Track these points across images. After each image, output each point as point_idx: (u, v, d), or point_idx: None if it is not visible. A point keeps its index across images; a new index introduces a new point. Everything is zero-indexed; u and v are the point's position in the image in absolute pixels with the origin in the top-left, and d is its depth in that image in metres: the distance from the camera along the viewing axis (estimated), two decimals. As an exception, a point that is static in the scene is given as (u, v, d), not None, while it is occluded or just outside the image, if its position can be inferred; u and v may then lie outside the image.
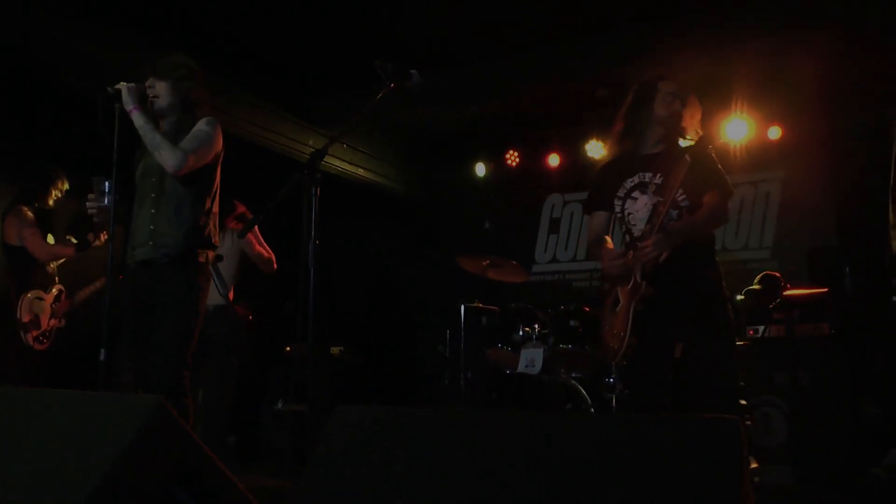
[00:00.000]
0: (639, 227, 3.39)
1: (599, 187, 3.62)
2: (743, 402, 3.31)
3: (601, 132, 7.20)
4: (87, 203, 3.53)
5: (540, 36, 6.03)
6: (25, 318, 5.13)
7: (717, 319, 3.29)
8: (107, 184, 3.46)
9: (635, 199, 3.44)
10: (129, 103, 3.43)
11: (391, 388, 7.51)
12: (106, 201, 3.47)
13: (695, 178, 3.28)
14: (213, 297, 5.49)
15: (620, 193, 3.48)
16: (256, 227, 5.43)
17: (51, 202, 5.39)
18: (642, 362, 3.38)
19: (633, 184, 3.45)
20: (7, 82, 5.53)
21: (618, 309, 3.37)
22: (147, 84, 3.54)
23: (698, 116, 3.49)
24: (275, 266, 5.61)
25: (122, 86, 3.44)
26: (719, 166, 3.43)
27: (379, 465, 1.98)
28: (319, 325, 3.01)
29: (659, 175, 3.38)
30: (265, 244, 5.61)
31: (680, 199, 3.33)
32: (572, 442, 1.82)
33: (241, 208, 5.54)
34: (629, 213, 3.46)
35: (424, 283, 7.92)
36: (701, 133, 3.48)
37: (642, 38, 5.84)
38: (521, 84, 6.58)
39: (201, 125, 3.57)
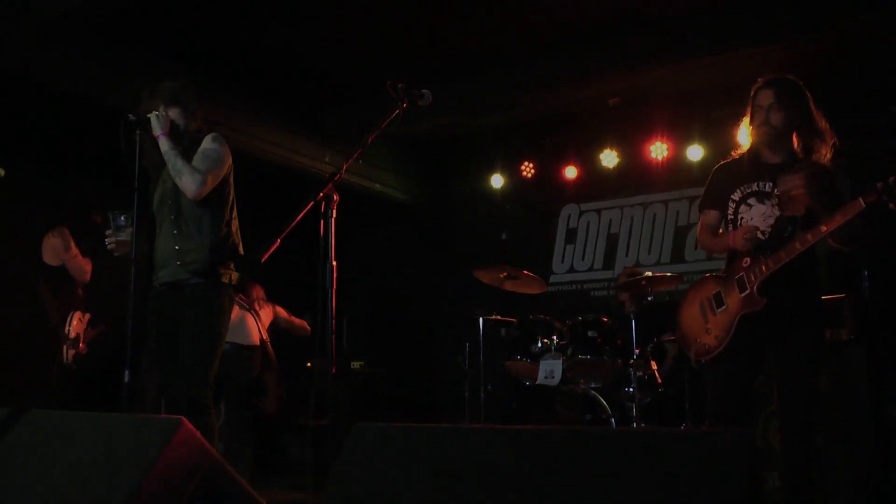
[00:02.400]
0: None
1: (714, 188, 3.60)
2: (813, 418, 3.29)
3: (615, 141, 7.23)
4: (105, 239, 3.63)
5: (550, 45, 6.07)
6: (73, 335, 5.24)
7: (815, 344, 3.31)
8: (122, 218, 3.56)
9: (751, 205, 3.43)
10: (157, 129, 3.55)
11: (412, 402, 7.53)
12: (123, 235, 3.55)
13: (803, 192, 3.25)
14: (244, 335, 5.68)
15: (735, 197, 3.46)
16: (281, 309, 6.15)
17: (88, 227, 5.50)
18: (731, 369, 3.35)
19: (749, 190, 3.42)
20: (30, 109, 5.66)
21: (720, 311, 3.37)
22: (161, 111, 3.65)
23: (812, 122, 3.40)
24: (308, 329, 6.08)
25: (152, 114, 3.54)
26: (836, 184, 3.34)
27: (397, 482, 2.01)
28: (339, 341, 3.06)
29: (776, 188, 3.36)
30: (294, 317, 6.28)
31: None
32: (586, 456, 1.84)
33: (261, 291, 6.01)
34: (742, 219, 3.44)
35: (442, 296, 7.94)
36: (824, 141, 3.40)
37: (654, 44, 5.86)
38: (534, 95, 6.61)
39: (208, 143, 3.67)
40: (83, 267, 5.37)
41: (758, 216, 3.39)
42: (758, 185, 3.40)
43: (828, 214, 3.15)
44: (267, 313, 6.07)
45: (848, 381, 4.47)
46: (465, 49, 6.10)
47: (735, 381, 3.33)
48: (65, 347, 5.23)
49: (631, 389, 4.92)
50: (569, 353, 5.14)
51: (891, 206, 3.00)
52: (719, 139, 5.49)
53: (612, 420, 4.88)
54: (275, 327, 6.17)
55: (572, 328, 5.22)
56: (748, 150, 3.48)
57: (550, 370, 5.05)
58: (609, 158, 7.24)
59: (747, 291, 3.28)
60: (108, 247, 3.63)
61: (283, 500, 5.06)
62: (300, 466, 6.15)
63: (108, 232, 3.62)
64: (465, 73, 6.41)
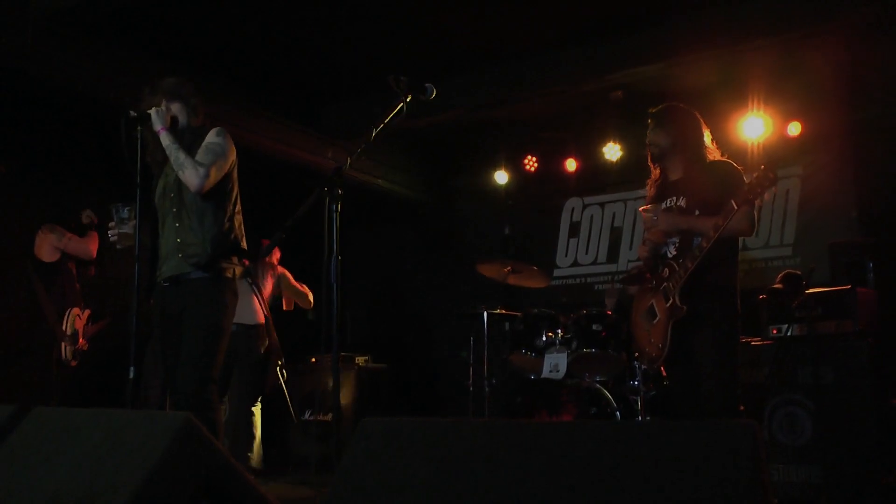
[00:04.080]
0: (670, 248, 3.67)
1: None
2: (741, 407, 3.55)
3: (617, 135, 7.21)
4: (108, 231, 3.63)
5: (553, 40, 6.06)
6: (70, 331, 5.26)
7: (725, 333, 3.52)
8: (126, 210, 3.55)
9: None
10: (157, 124, 3.54)
11: (416, 397, 7.54)
12: (126, 227, 3.55)
13: (704, 192, 3.56)
14: (250, 315, 5.68)
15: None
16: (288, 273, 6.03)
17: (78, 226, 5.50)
18: (679, 371, 3.67)
19: (662, 207, 3.70)
20: (29, 107, 5.66)
21: (655, 321, 3.62)
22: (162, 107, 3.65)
23: (693, 135, 3.72)
24: (311, 300, 6.02)
25: (152, 109, 3.54)
26: (731, 176, 3.60)
27: (404, 476, 2.01)
28: (343, 336, 3.06)
29: (682, 198, 3.65)
30: (298, 282, 6.13)
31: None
32: (591, 449, 1.84)
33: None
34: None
35: (445, 291, 7.94)
36: (708, 148, 3.74)
37: (656, 38, 5.84)
38: (535, 89, 6.60)
39: (212, 137, 3.66)
40: (84, 245, 5.36)
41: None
42: (668, 202, 3.70)
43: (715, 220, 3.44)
44: (268, 284, 6.06)
45: (852, 374, 4.47)
46: (467, 44, 6.08)
47: (686, 380, 3.58)
48: (63, 344, 5.24)
49: (636, 383, 4.92)
50: (573, 346, 5.14)
51: (757, 202, 3.41)
52: (721, 132, 5.46)
53: (618, 413, 4.88)
54: (276, 293, 6.15)
55: (577, 322, 5.21)
56: (659, 174, 3.80)
57: (555, 364, 5.04)
58: (612, 152, 7.22)
59: (671, 301, 3.52)
60: (111, 239, 3.64)
61: (289, 495, 5.06)
62: (305, 461, 6.15)
63: (110, 224, 3.62)
64: (467, 67, 6.40)
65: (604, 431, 1.90)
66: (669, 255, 3.64)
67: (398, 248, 8.44)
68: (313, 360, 6.74)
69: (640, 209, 3.75)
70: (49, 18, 5.17)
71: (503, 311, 5.69)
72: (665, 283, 3.58)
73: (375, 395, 6.75)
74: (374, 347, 7.14)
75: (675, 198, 3.68)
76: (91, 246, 5.41)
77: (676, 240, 3.62)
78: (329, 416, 6.15)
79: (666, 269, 3.61)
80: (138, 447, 2.30)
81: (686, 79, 6.28)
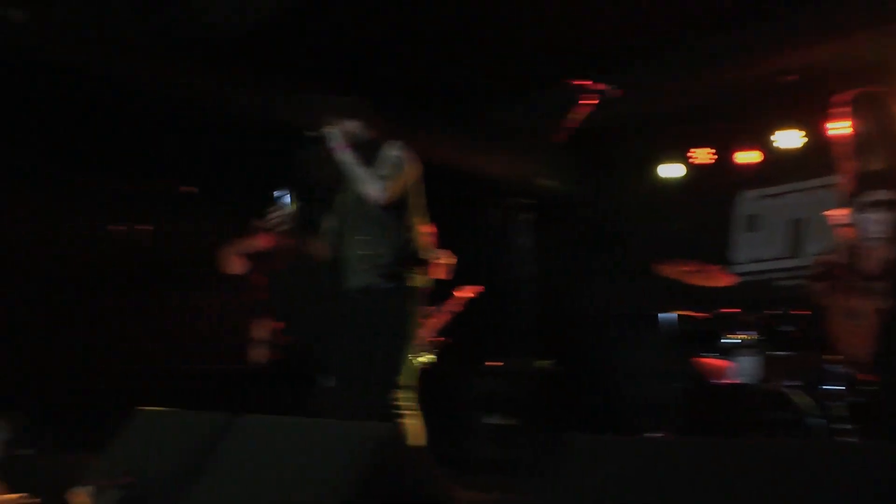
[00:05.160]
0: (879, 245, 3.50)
1: None
2: None
3: (794, 121, 6.79)
4: (269, 216, 3.85)
5: (719, 24, 5.82)
6: (257, 338, 5.53)
7: None
8: (285, 196, 3.77)
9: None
10: (336, 142, 3.71)
11: (596, 401, 7.39)
12: (285, 211, 3.76)
13: None
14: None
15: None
16: None
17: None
18: (887, 376, 3.52)
19: (872, 199, 3.53)
20: (209, 128, 6.00)
21: (862, 322, 3.50)
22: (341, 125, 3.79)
23: (889, 120, 3.55)
24: None
25: (330, 128, 3.70)
26: None
27: (615, 495, 1.96)
28: (520, 339, 3.05)
29: (891, 190, 3.49)
30: None
31: None
32: (810, 470, 1.74)
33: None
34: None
35: (620, 292, 7.78)
36: None
37: (831, 14, 5.48)
38: (705, 74, 6.36)
39: (390, 150, 3.77)
40: (259, 236, 5.59)
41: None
42: (873, 195, 3.53)
43: None
44: None
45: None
46: (630, 38, 5.95)
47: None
48: (249, 350, 5.49)
49: (834, 388, 4.59)
50: (763, 348, 4.87)
51: None
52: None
53: (811, 421, 4.56)
54: None
55: (765, 322, 4.94)
56: (856, 165, 3.84)
57: (743, 367, 4.81)
58: (787, 139, 6.83)
59: (883, 300, 3.41)
60: (272, 222, 3.85)
61: (478, 501, 5.03)
62: (483, 464, 6.13)
63: (271, 209, 3.84)
64: (631, 61, 6.25)
65: (826, 450, 1.79)
66: (879, 252, 3.38)
67: (568, 249, 8.33)
68: (487, 363, 6.73)
69: (830, 213, 3.53)
70: (222, 42, 5.45)
71: (685, 313, 5.51)
72: (876, 282, 3.36)
73: (556, 399, 6.65)
74: (550, 351, 7.06)
75: (880, 189, 3.45)
76: (264, 235, 5.63)
77: (885, 235, 3.41)
78: (512, 421, 6.12)
79: (876, 266, 3.33)
80: (344, 458, 2.36)
81: (865, 57, 5.84)
